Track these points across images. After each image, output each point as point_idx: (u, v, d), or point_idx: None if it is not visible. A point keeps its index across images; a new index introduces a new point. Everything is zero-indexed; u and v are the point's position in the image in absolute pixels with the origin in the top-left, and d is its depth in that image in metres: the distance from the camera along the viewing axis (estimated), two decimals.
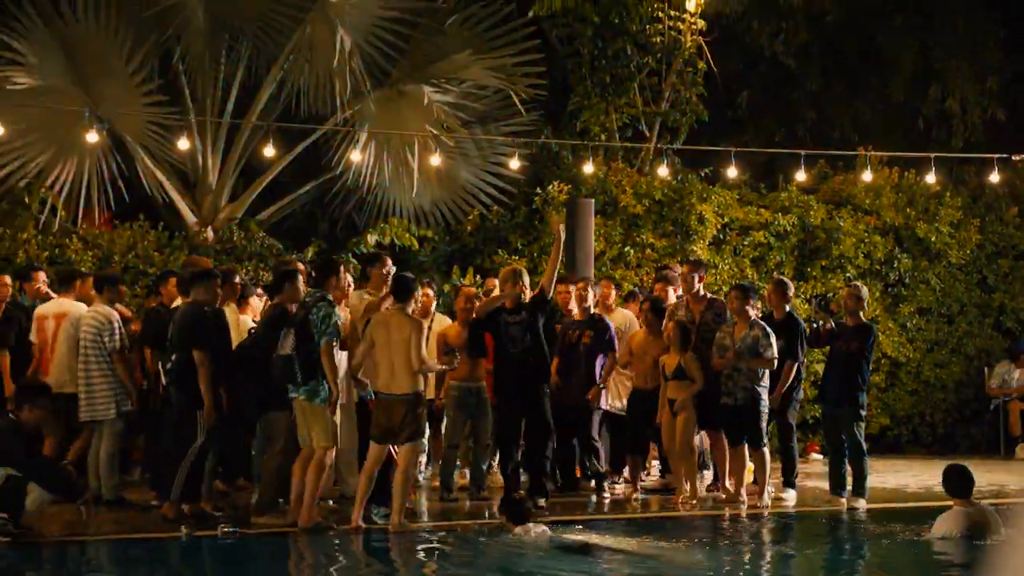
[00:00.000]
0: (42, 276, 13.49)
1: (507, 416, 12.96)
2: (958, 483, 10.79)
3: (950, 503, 10.93)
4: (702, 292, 14.11)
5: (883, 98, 23.16)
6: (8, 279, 13.48)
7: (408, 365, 11.19)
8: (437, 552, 10.74)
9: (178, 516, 11.37)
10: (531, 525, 10.81)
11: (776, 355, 13.12)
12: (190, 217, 17.65)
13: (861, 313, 13.67)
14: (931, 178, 18.78)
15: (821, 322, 13.83)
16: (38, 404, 10.98)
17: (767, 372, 13.16)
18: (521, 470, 13.00)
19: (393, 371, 11.27)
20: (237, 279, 13.04)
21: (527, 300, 12.89)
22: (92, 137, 16.07)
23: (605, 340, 13.67)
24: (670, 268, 15.08)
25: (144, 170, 17.47)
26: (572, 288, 14.03)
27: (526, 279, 13.08)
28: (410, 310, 11.48)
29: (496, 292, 13.93)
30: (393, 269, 12.24)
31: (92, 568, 10.50)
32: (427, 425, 12.77)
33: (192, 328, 11.59)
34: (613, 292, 15.03)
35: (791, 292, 14.18)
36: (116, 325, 12.50)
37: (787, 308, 13.78)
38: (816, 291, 18.41)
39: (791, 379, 13.46)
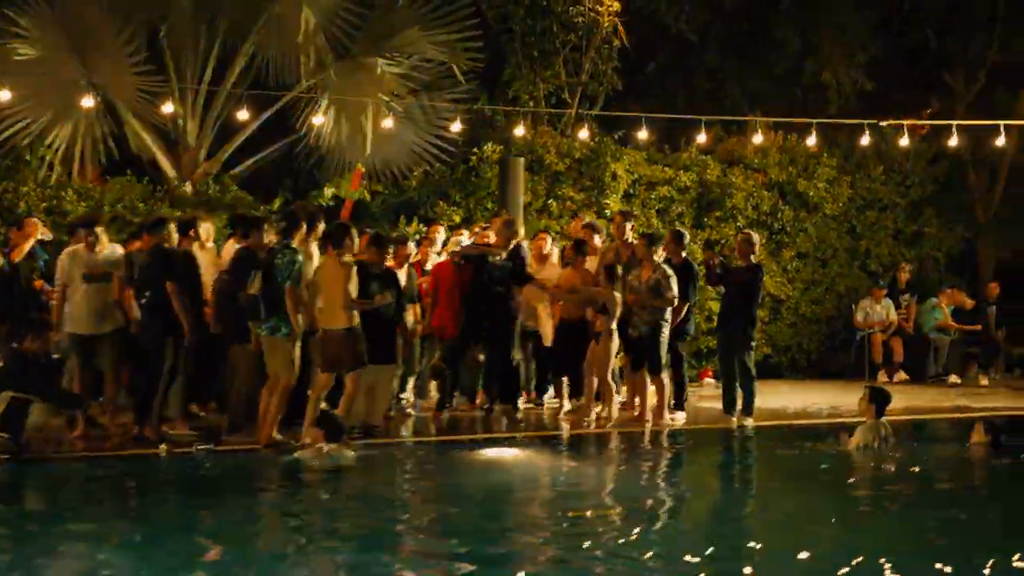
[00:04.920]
0: (35, 222, 13.03)
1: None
2: (880, 401, 11.23)
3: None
4: (630, 239, 13.77)
5: (769, 71, 22.95)
6: (37, 221, 13.09)
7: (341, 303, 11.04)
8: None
9: (159, 437, 11.10)
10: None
11: (676, 295, 12.91)
12: (171, 172, 17.20)
13: (752, 256, 13.56)
14: (811, 141, 18.62)
15: (714, 262, 13.80)
16: (41, 335, 10.85)
17: (669, 309, 12.94)
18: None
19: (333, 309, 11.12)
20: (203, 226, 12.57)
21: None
22: (87, 102, 15.77)
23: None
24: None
25: (131, 131, 17.04)
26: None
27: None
28: (345, 257, 11.23)
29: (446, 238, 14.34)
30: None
31: (84, 482, 10.19)
32: None
33: (159, 267, 11.24)
34: (548, 242, 14.59)
35: (686, 241, 13.98)
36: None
37: (683, 255, 13.58)
38: (711, 238, 18.30)
39: (683, 315, 13.30)
